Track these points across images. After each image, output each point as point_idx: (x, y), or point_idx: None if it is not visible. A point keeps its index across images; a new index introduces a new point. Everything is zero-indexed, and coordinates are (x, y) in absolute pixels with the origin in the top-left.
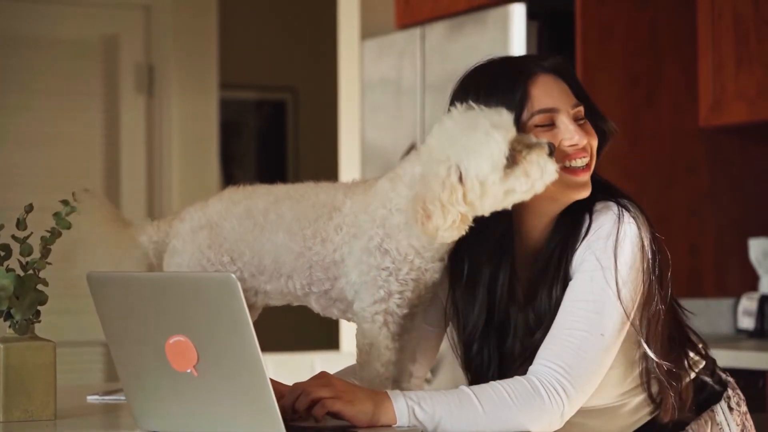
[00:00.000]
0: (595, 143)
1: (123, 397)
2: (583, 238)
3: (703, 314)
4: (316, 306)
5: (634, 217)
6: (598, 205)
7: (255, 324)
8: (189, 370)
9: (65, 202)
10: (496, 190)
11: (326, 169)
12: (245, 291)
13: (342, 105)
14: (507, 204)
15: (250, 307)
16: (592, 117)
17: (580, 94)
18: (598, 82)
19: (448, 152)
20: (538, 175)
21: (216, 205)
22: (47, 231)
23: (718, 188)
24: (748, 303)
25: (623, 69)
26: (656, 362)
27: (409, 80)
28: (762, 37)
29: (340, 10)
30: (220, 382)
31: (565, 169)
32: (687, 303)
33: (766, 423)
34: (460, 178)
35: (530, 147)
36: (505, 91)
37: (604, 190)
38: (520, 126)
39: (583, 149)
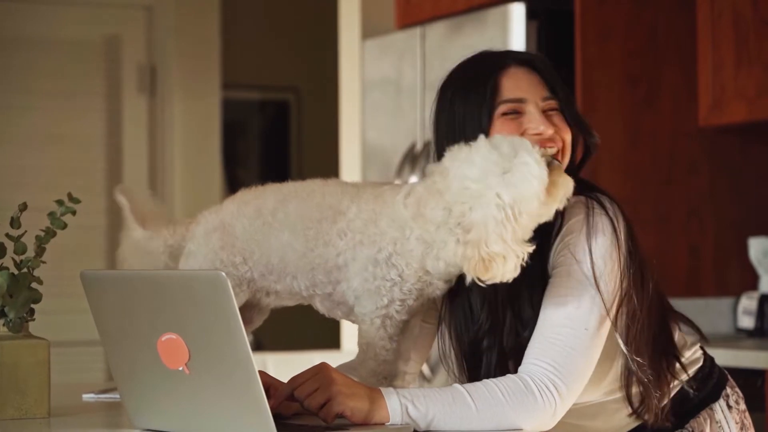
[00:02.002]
0: (567, 137)
1: (118, 396)
2: (556, 234)
3: (703, 313)
4: (321, 307)
5: (606, 209)
6: (570, 200)
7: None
8: (181, 368)
9: (60, 202)
10: (535, 220)
11: (329, 169)
12: (257, 291)
13: (342, 105)
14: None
15: (261, 308)
16: (579, 129)
17: (563, 96)
18: (597, 81)
19: (498, 192)
20: (562, 194)
21: (229, 207)
22: (42, 230)
23: (718, 188)
24: (748, 302)
25: (623, 69)
26: (636, 362)
27: (409, 80)
28: (761, 37)
29: (340, 10)
30: (211, 380)
31: None
32: (687, 302)
33: (765, 422)
34: (515, 218)
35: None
36: (479, 84)
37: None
38: (490, 117)
39: (550, 139)
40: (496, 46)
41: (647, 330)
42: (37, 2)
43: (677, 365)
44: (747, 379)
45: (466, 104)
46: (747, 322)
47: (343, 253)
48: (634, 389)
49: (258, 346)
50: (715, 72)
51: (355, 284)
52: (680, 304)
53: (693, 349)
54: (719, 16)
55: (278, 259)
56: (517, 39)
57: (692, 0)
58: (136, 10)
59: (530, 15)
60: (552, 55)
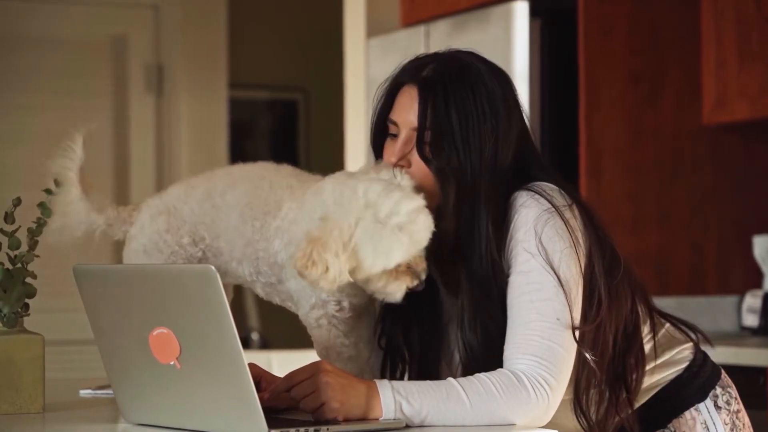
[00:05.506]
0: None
1: None
2: (506, 235)
3: (707, 312)
4: (260, 292)
5: (547, 196)
6: (516, 195)
7: (261, 320)
8: (172, 362)
9: (48, 191)
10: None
11: (337, 169)
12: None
13: (348, 103)
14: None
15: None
16: (433, 171)
17: (433, 128)
18: (600, 79)
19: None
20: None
21: (174, 190)
22: (33, 222)
23: (722, 186)
24: (752, 300)
25: (625, 67)
26: (590, 364)
27: None
28: (764, 35)
29: (345, 8)
30: (201, 374)
31: None
32: (690, 300)
33: (767, 421)
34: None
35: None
36: (382, 95)
37: (522, 179)
38: (384, 132)
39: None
40: (500, 44)
41: (609, 336)
42: (44, 1)
43: (641, 368)
44: (748, 376)
45: (373, 114)
46: (751, 320)
47: (280, 252)
48: (584, 391)
49: (264, 344)
50: (718, 70)
51: (292, 285)
52: (684, 303)
53: (677, 349)
54: (722, 14)
55: (225, 242)
56: (520, 37)
57: None
58: (143, 10)
59: (533, 13)
60: (554, 53)
